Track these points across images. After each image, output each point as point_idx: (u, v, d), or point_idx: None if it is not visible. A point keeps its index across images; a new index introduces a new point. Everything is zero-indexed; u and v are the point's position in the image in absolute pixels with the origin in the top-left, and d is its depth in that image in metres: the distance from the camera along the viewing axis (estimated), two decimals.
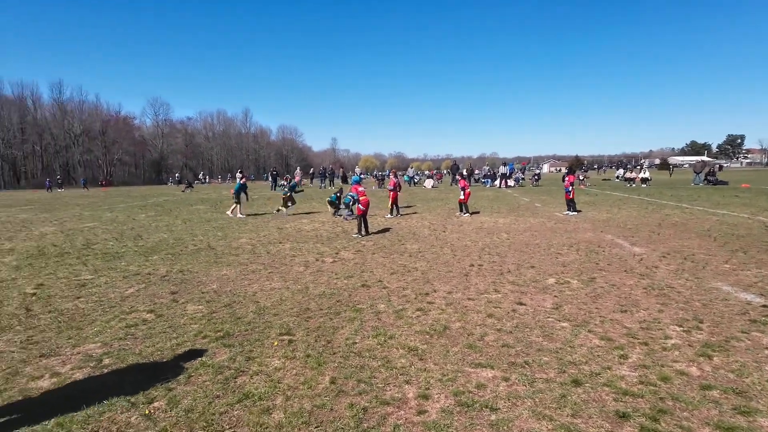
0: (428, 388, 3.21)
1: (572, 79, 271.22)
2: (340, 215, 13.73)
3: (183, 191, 34.69)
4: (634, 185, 29.86)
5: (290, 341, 4.13)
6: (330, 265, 7.42)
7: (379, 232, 10.97)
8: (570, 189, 14.40)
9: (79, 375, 3.48)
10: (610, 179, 42.77)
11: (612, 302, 5.16)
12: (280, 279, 6.50)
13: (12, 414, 2.92)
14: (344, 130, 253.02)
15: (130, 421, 2.81)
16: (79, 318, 4.86)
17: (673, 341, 3.98)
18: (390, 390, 3.20)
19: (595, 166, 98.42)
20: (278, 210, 15.16)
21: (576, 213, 14.04)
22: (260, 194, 27.34)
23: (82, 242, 9.92)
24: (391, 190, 14.33)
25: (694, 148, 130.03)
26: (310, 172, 48.77)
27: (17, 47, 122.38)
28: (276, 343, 4.06)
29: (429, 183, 35.36)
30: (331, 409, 2.94)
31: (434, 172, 48.18)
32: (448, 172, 48.51)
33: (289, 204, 15.01)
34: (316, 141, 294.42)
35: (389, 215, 14.05)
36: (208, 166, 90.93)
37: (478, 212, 15.11)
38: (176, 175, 48.10)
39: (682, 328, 4.28)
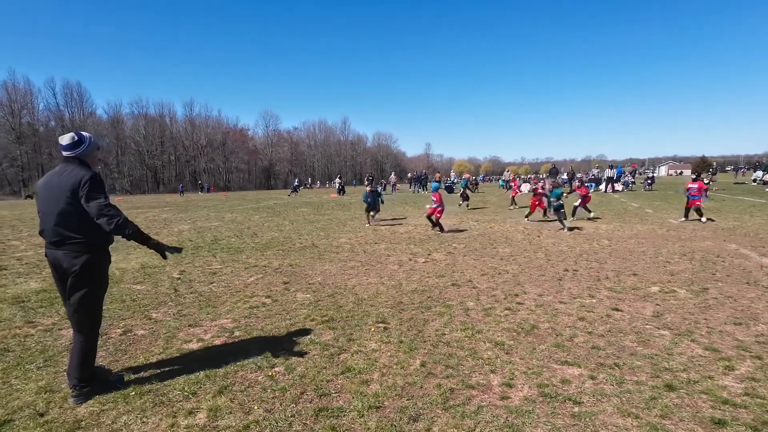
0: (512, 379, 3.40)
1: (696, 69, 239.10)
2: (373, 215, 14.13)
3: (289, 195, 37.80)
4: None
5: (385, 328, 4.57)
6: (422, 264, 7.79)
7: (471, 235, 11.08)
8: (699, 197, 12.55)
9: (217, 341, 4.29)
10: (744, 182, 37.11)
11: (725, 314, 4.77)
12: (375, 275, 7.03)
13: (173, 366, 3.74)
14: (438, 134, 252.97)
15: (258, 380, 3.45)
16: (213, 299, 5.84)
17: None
18: (475, 377, 3.45)
19: (728, 168, 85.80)
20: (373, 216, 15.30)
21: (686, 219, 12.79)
22: (357, 198, 28.75)
23: (211, 238, 11.57)
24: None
25: None
26: (408, 176, 49.57)
27: (156, 69, 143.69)
28: (373, 329, 4.53)
29: (525, 187, 34.04)
30: (421, 387, 3.29)
31: (531, 176, 46.07)
32: (547, 176, 46.08)
33: (372, 213, 14.26)
34: (410, 146, 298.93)
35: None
36: (310, 173, 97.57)
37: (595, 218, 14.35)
38: (296, 180, 52.44)
39: None
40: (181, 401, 3.12)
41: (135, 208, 26.02)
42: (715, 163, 66.33)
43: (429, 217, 11.94)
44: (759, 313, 4.78)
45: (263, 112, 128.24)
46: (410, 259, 8.23)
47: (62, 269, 3.12)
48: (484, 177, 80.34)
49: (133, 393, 3.23)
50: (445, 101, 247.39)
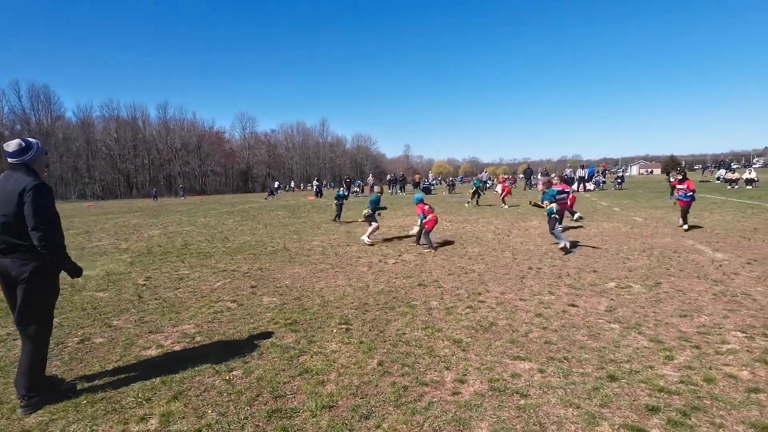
0: (465, 375, 3.51)
1: (669, 69, 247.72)
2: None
3: (266, 198, 37.45)
4: (737, 187, 26.75)
5: (347, 329, 4.62)
6: (392, 266, 7.88)
7: (443, 236, 11.22)
8: (686, 196, 10.78)
9: (177, 347, 4.27)
10: (709, 180, 38.59)
11: (673, 307, 5.01)
12: (344, 277, 7.08)
13: (129, 372, 3.71)
14: (418, 136, 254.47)
15: (214, 384, 3.46)
16: (177, 304, 5.79)
17: (730, 346, 3.85)
18: (430, 374, 3.54)
19: (696, 167, 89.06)
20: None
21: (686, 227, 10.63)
22: (333, 201, 28.72)
23: (181, 243, 11.40)
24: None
25: None
26: (387, 178, 49.60)
27: (131, 70, 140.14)
28: (335, 331, 4.58)
29: (500, 188, 34.58)
30: (376, 386, 3.36)
31: (508, 176, 46.89)
32: (522, 177, 46.95)
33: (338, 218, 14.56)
34: (390, 148, 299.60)
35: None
36: (288, 175, 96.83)
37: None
38: (276, 183, 51.72)
39: (744, 335, 4.10)
40: (134, 408, 3.11)
41: (105, 213, 25.38)
42: (683, 162, 68.67)
43: (427, 234, 9.65)
44: (704, 305, 5.03)
45: (240, 115, 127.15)
46: (380, 261, 8.30)
47: (10, 277, 3.08)
48: (462, 178, 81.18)
49: (85, 401, 3.20)
50: (424, 103, 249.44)
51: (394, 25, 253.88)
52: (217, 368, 3.73)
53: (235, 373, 3.65)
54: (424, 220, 9.57)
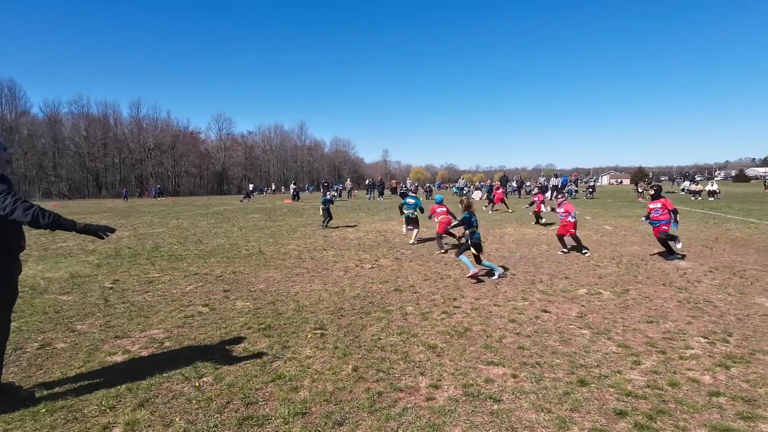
0: (440, 380, 3.51)
1: (638, 85, 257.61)
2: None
3: (241, 201, 36.83)
4: (699, 198, 27.95)
5: (322, 335, 4.57)
6: (368, 270, 7.86)
7: (420, 241, 11.27)
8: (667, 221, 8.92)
9: (144, 353, 4.12)
10: (675, 192, 40.16)
11: (640, 313, 5.16)
12: (320, 282, 7.01)
13: (93, 379, 3.56)
14: (396, 141, 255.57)
15: (183, 391, 3.36)
16: (146, 308, 5.61)
17: (693, 351, 4.00)
18: (405, 379, 3.54)
19: (663, 178, 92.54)
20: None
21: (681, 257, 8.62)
22: (311, 204, 28.51)
23: (152, 245, 11.08)
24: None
25: None
26: (366, 183, 49.42)
27: (102, 67, 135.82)
28: (309, 336, 4.52)
29: (477, 195, 35.11)
30: (350, 392, 3.33)
31: (484, 183, 47.58)
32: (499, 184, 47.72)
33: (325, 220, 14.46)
34: (368, 153, 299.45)
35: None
36: (265, 178, 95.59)
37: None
38: (251, 186, 50.85)
39: (706, 340, 4.26)
40: (96, 416, 2.98)
41: (72, 214, 24.42)
42: (651, 174, 71.28)
43: (448, 234, 10.32)
44: (669, 311, 5.21)
45: (216, 115, 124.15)
46: (357, 266, 8.27)
47: None
48: (440, 184, 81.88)
49: (44, 410, 3.04)
50: (403, 109, 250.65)
51: (374, 31, 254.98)
52: (186, 374, 3.62)
53: (205, 379, 3.55)
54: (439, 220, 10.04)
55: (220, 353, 4.08)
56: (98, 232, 3.12)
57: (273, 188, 70.57)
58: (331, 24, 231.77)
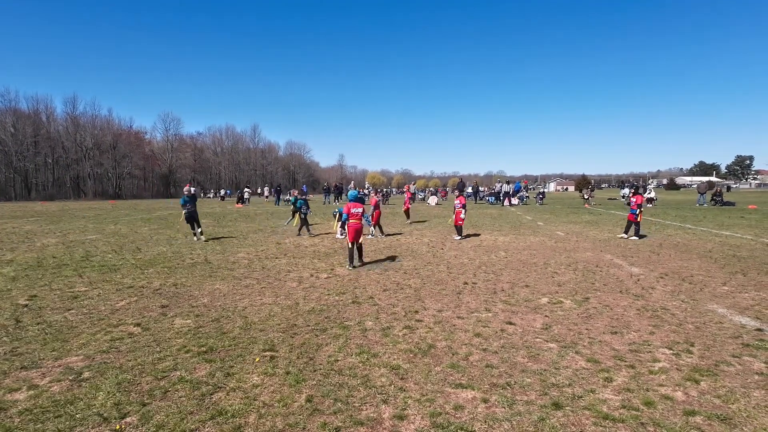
0: (405, 409, 3.16)
1: (580, 99, 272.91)
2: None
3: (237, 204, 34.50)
4: (651, 206, 29.63)
5: (272, 357, 4.09)
6: (324, 281, 7.40)
7: (377, 248, 10.93)
8: (637, 211, 12.44)
9: (56, 388, 3.47)
10: (615, 198, 42.50)
11: (603, 323, 5.08)
12: (272, 294, 6.48)
13: None
14: (352, 146, 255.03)
15: None
16: (66, 330, 4.86)
17: (661, 365, 3.90)
18: (366, 410, 3.15)
19: (603, 185, 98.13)
20: (288, 222, 14.39)
21: (638, 238, 12.35)
22: (264, 209, 27.48)
23: (82, 254, 9.99)
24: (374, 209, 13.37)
25: (702, 169, 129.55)
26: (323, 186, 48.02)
27: (32, 60, 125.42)
28: (257, 360, 4.03)
29: (433, 200, 35.36)
30: (304, 428, 2.90)
31: (438, 189, 48.22)
32: (453, 190, 48.56)
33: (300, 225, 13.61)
34: (324, 157, 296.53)
35: (369, 235, 13.06)
36: (216, 181, 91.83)
37: (478, 234, 15.04)
38: (220, 190, 48.28)
39: (671, 351, 4.19)
40: None
41: None
42: (593, 181, 75.38)
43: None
44: (630, 320, 5.17)
45: (163, 115, 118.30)
46: (312, 275, 7.78)
47: None
48: (395, 191, 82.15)
49: None
50: (359, 113, 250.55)
51: (329, 36, 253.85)
52: (105, 414, 3.04)
53: (129, 419, 2.99)
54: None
55: (150, 385, 3.50)
56: None
57: (223, 193, 67.52)
58: (283, 29, 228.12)
